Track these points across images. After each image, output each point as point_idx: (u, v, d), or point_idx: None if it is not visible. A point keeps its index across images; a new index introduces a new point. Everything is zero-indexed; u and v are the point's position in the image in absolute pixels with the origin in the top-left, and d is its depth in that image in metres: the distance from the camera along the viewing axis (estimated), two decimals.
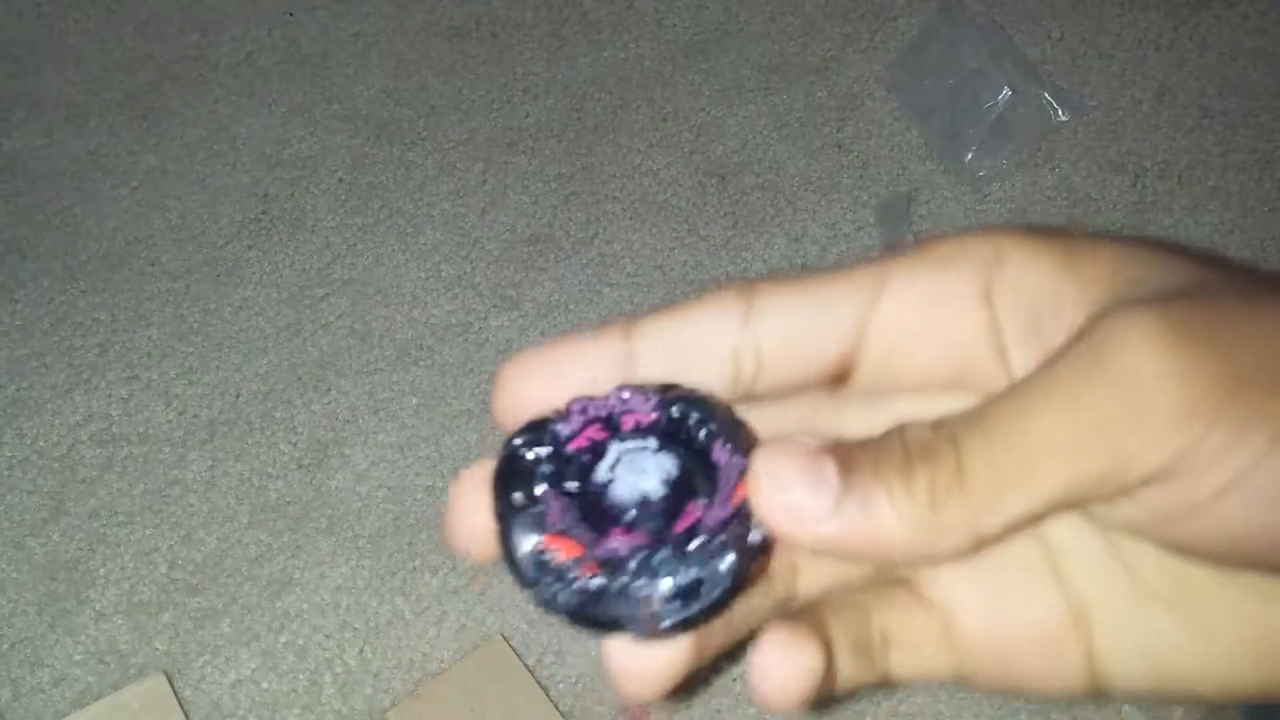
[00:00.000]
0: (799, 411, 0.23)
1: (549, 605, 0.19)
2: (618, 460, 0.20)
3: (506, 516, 0.20)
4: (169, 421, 0.67)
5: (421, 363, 0.68)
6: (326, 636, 0.59)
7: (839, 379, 0.21)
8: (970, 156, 0.73)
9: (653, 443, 0.20)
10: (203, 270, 0.74)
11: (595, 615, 0.19)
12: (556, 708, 0.55)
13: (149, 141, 0.81)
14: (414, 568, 0.60)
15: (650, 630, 0.19)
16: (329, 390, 0.67)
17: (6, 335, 0.71)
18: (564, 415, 0.20)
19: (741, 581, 0.19)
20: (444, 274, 0.72)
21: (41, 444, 0.67)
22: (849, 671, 0.21)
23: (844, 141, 0.76)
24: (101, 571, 0.62)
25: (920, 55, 0.76)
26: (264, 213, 0.76)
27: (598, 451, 0.20)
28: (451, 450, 0.64)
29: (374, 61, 0.84)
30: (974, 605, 0.22)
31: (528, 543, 0.20)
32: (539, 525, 0.20)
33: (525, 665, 0.56)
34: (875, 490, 0.18)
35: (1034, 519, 0.18)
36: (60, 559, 0.62)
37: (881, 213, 0.72)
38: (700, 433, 0.20)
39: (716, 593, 0.19)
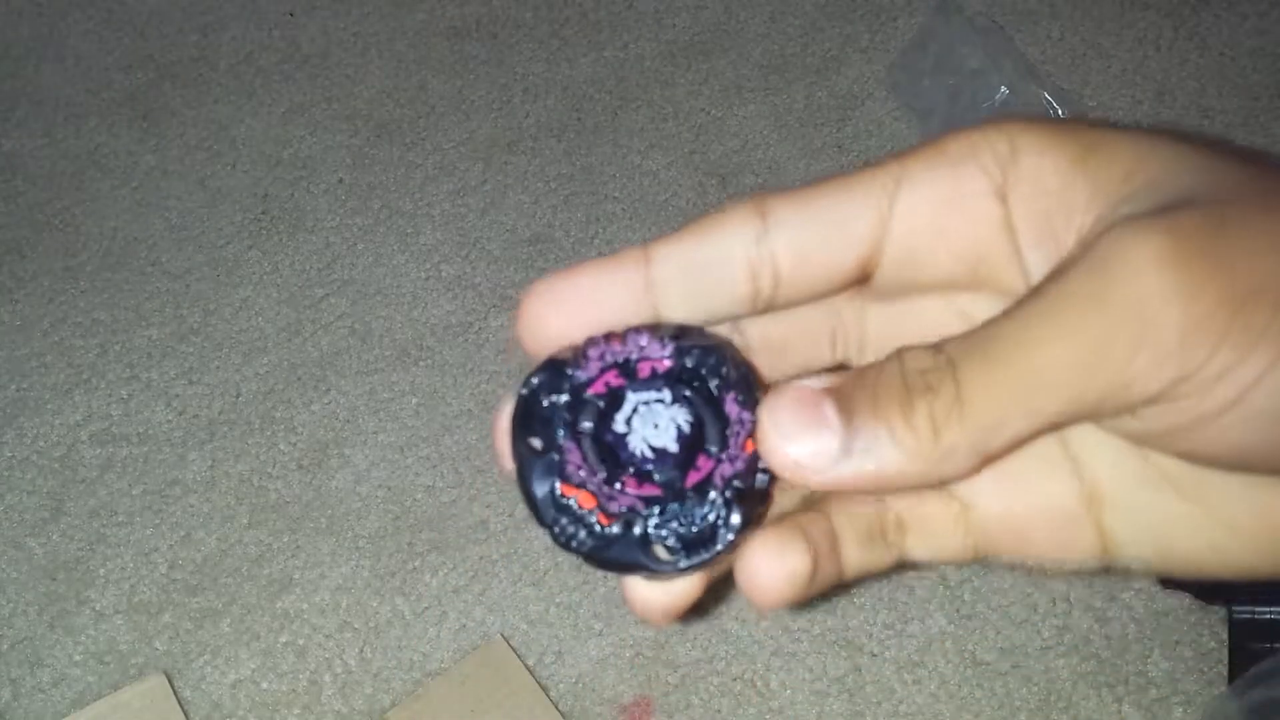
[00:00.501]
0: (823, 313, 0.23)
1: (566, 546, 0.20)
2: (634, 411, 0.21)
3: (524, 460, 0.21)
4: (169, 421, 0.67)
5: (421, 363, 0.68)
6: (326, 636, 0.59)
7: (860, 282, 0.21)
8: None
9: (667, 394, 0.21)
10: (203, 270, 0.74)
11: (610, 559, 0.20)
12: (556, 708, 0.55)
13: (149, 141, 0.81)
14: (414, 568, 0.60)
15: (662, 574, 0.20)
16: (329, 390, 0.67)
17: (6, 335, 0.71)
18: (582, 360, 0.21)
19: (749, 527, 0.20)
20: (444, 274, 0.72)
21: (41, 444, 0.67)
22: (860, 559, 0.22)
23: (844, 142, 0.76)
24: (101, 571, 0.62)
25: (919, 55, 0.76)
26: (264, 213, 0.76)
27: (615, 399, 0.21)
28: (451, 450, 0.64)
29: (374, 61, 0.84)
30: (990, 488, 0.22)
31: (544, 487, 0.21)
32: (556, 472, 0.21)
33: (525, 665, 0.56)
34: (877, 430, 0.18)
35: (1037, 435, 0.18)
36: (60, 559, 0.62)
37: None
38: (713, 382, 0.21)
39: (724, 542, 0.20)
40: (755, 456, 0.20)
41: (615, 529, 0.20)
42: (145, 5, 0.89)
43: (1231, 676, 0.53)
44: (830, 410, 0.18)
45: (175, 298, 0.72)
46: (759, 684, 0.56)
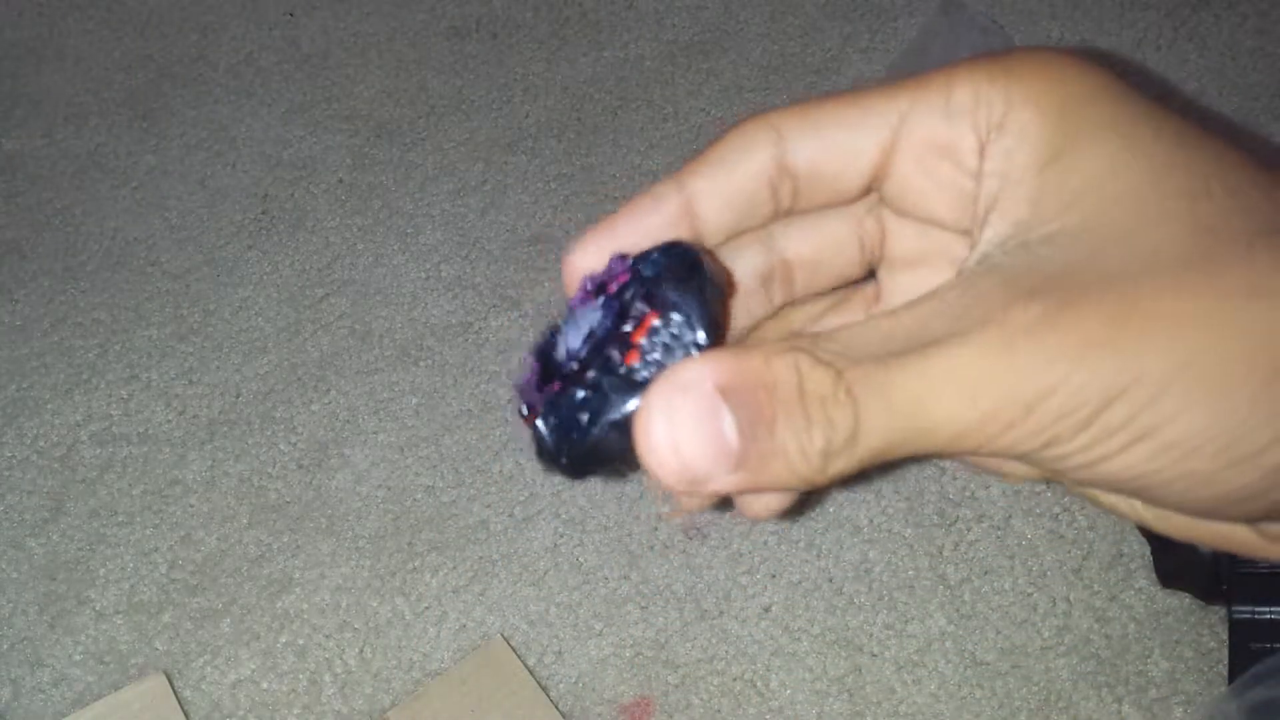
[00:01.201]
0: (848, 227, 0.25)
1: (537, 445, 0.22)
2: (570, 321, 0.22)
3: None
4: (169, 421, 0.67)
5: (422, 363, 0.68)
6: (326, 636, 0.59)
7: (869, 193, 0.23)
8: None
9: (600, 301, 0.22)
10: (202, 270, 0.74)
11: (539, 452, 0.22)
12: (557, 708, 0.55)
13: (149, 141, 0.81)
14: (414, 568, 0.60)
15: (557, 472, 0.21)
16: (329, 390, 0.67)
17: (6, 335, 0.71)
18: (576, 289, 0.23)
19: (596, 438, 0.21)
20: (444, 274, 0.72)
21: (41, 444, 0.67)
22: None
23: None
24: (101, 571, 0.62)
25: (920, 55, 0.76)
26: (264, 213, 0.76)
27: (570, 314, 0.23)
28: (451, 450, 0.64)
29: (374, 61, 0.84)
30: None
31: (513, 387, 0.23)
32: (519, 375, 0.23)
33: (525, 665, 0.56)
34: (771, 453, 0.19)
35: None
36: (60, 559, 0.62)
37: None
38: (661, 289, 0.21)
39: (597, 433, 0.20)
40: (644, 347, 0.20)
41: (534, 425, 0.21)
42: (145, 6, 0.89)
43: (1231, 676, 0.53)
44: (729, 423, 0.18)
45: (175, 298, 0.72)
46: (759, 684, 0.56)
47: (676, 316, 0.20)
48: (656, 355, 0.20)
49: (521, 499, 0.62)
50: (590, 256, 0.23)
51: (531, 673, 0.56)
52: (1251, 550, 0.22)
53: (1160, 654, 0.55)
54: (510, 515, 0.62)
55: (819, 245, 0.25)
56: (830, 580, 0.58)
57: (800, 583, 0.58)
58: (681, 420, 0.18)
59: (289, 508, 0.63)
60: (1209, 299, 0.18)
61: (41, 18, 0.89)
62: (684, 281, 0.21)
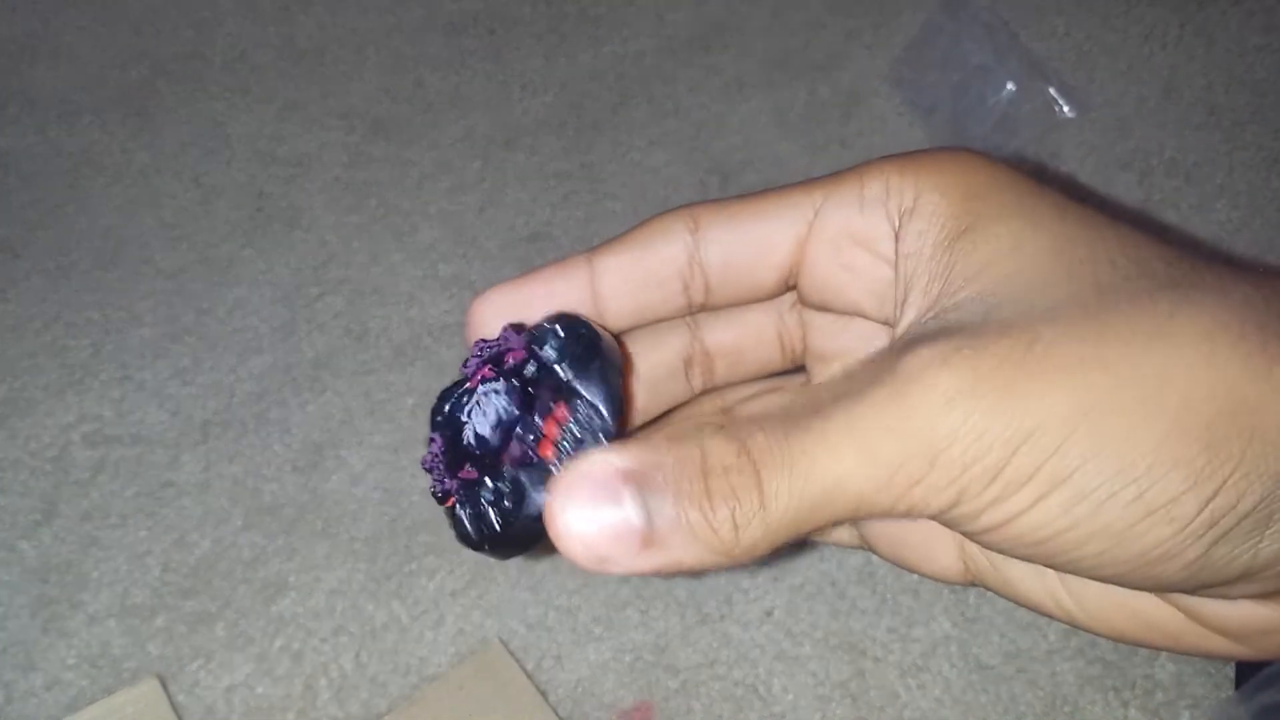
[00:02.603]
0: (770, 319, 0.25)
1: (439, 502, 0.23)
2: (476, 402, 0.22)
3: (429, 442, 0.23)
4: (162, 423, 0.66)
5: (418, 363, 0.67)
6: (322, 640, 0.58)
7: (784, 292, 0.24)
8: None
9: (502, 384, 0.22)
10: (196, 269, 0.73)
11: (458, 535, 0.22)
12: (555, 712, 0.55)
13: (142, 139, 0.80)
14: (410, 571, 0.60)
15: (483, 553, 0.22)
16: (324, 391, 0.67)
17: None
18: (469, 358, 0.23)
19: (514, 529, 0.21)
20: (441, 273, 0.71)
21: (33, 445, 0.66)
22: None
23: (847, 138, 0.75)
24: (94, 575, 0.61)
25: (924, 51, 0.75)
26: (259, 210, 0.75)
27: (473, 391, 0.23)
28: None
29: (370, 58, 0.83)
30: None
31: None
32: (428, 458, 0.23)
33: (523, 669, 0.56)
34: (680, 529, 0.19)
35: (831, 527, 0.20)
36: (52, 562, 0.61)
37: None
38: (560, 368, 0.22)
39: (507, 522, 0.21)
40: (556, 438, 0.21)
41: (453, 509, 0.22)
42: (140, 1, 0.88)
43: (1239, 680, 0.52)
44: (631, 505, 0.18)
45: (169, 297, 0.72)
46: (761, 689, 0.55)
47: (583, 405, 0.21)
48: (569, 445, 0.21)
49: None
50: (493, 311, 0.23)
51: (530, 677, 0.56)
52: (1178, 642, 0.21)
53: (1167, 657, 0.54)
54: None
55: (740, 335, 0.25)
56: (833, 584, 0.58)
57: (803, 586, 0.58)
58: (584, 506, 0.19)
59: (284, 510, 0.62)
60: (1109, 342, 0.18)
61: (34, 14, 0.88)
62: (585, 365, 0.21)
